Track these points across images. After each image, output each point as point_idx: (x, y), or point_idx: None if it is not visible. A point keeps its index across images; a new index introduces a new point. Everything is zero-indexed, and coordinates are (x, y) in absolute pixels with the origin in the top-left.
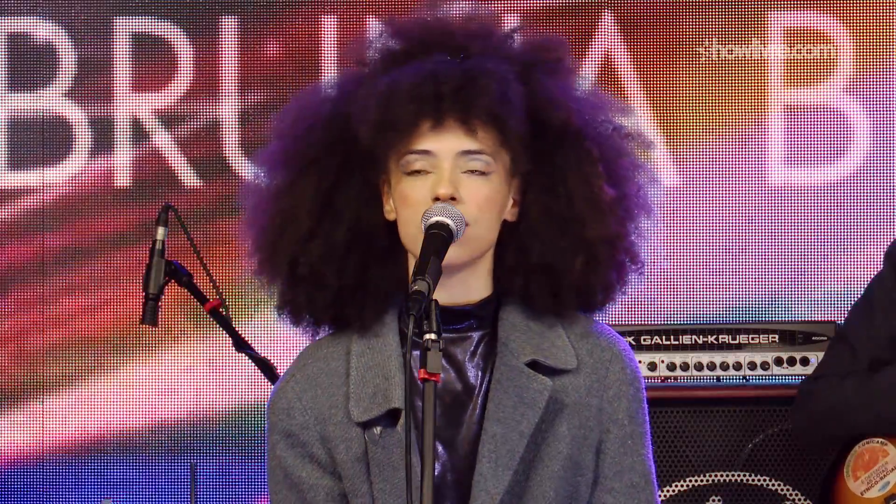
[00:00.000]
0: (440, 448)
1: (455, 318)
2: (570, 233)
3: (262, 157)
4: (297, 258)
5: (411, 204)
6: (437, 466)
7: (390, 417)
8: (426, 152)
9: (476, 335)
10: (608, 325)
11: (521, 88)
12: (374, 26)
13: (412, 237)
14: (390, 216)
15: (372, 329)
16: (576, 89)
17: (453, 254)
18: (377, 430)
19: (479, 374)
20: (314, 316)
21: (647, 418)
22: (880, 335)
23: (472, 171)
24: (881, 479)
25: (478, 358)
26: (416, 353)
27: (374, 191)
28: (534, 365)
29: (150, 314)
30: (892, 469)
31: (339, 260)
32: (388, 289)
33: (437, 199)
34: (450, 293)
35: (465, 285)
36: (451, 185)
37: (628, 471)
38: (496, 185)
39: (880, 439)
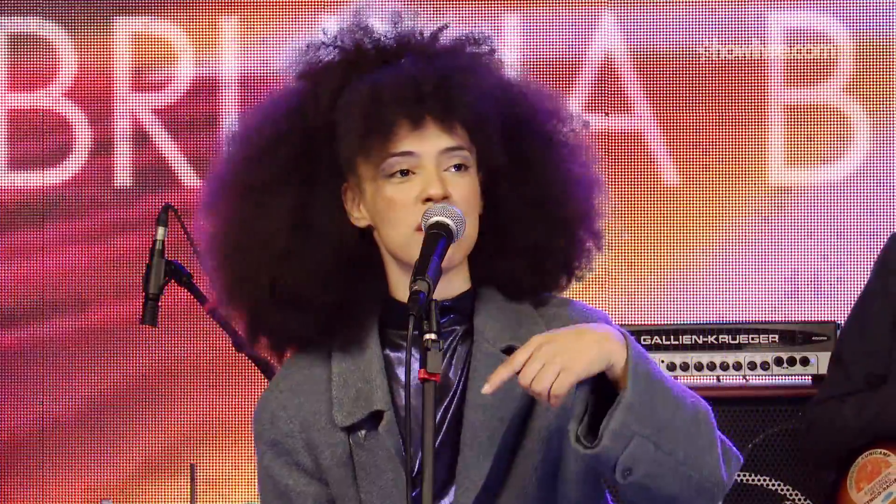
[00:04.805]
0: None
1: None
2: (550, 215)
3: (215, 186)
4: (281, 280)
5: (400, 206)
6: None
7: (373, 420)
8: (409, 153)
9: (458, 329)
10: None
11: (495, 82)
12: (308, 36)
13: (401, 241)
14: (360, 223)
15: (354, 336)
16: (523, 78)
17: (450, 255)
18: (361, 433)
19: (461, 366)
20: (305, 337)
21: None
22: (874, 350)
23: (455, 168)
24: (884, 489)
25: (458, 351)
26: (396, 354)
27: (340, 200)
28: (510, 351)
29: (150, 314)
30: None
31: (324, 277)
32: (374, 299)
33: (427, 199)
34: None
35: (448, 282)
36: (441, 184)
37: None
38: (474, 179)
39: (882, 450)
